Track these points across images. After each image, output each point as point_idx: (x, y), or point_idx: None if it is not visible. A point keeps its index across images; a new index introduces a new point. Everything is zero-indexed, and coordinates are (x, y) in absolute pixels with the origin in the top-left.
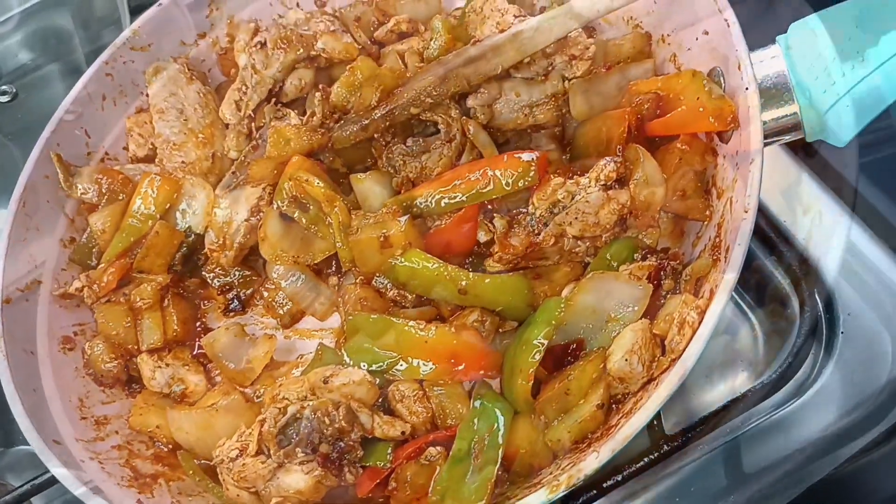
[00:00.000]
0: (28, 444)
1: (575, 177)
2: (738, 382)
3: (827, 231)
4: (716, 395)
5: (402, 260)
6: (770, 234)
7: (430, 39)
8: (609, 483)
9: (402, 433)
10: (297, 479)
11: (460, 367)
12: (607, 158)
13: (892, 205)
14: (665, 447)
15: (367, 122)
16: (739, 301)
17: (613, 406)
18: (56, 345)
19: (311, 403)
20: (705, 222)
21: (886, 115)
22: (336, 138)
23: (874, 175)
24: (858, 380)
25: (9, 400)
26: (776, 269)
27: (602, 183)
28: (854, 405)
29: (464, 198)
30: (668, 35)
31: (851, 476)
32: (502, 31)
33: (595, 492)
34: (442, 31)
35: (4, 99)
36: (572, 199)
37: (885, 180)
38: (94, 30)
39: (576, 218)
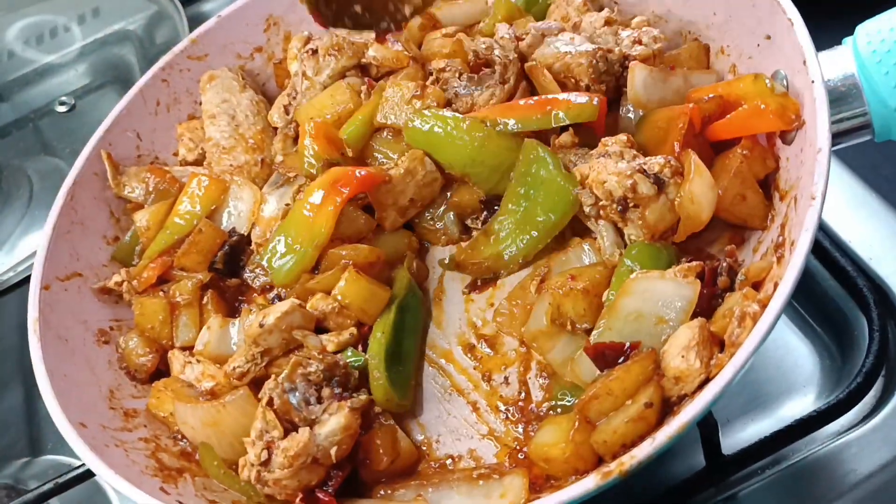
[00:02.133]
0: (55, 454)
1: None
2: (802, 406)
3: (893, 249)
4: (777, 418)
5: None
6: (835, 254)
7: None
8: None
9: (351, 335)
10: (335, 422)
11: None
12: (670, 158)
13: None
14: (722, 468)
15: None
16: (803, 324)
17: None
18: (91, 336)
19: (285, 373)
20: (765, 231)
21: None
22: None
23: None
24: None
25: (38, 381)
26: (841, 290)
27: (642, 163)
28: None
29: (517, 125)
30: (727, 46)
31: None
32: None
33: None
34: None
35: (62, 109)
36: (608, 155)
37: None
38: (154, 56)
39: (603, 168)
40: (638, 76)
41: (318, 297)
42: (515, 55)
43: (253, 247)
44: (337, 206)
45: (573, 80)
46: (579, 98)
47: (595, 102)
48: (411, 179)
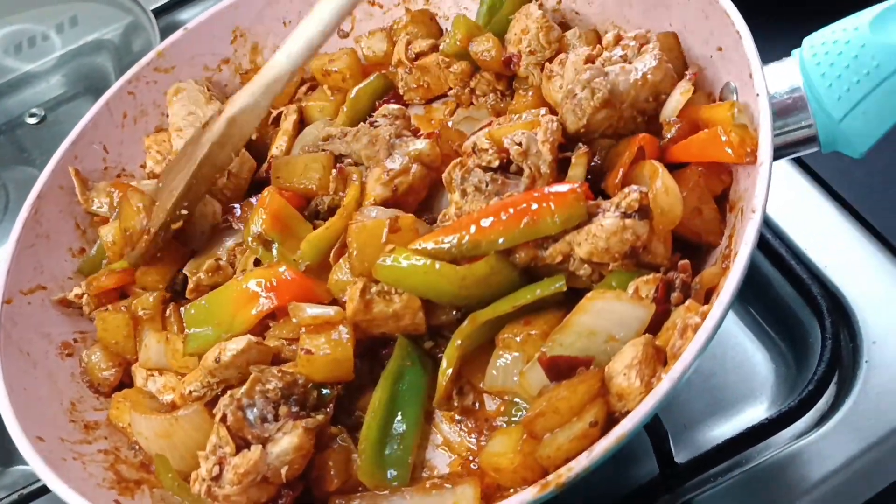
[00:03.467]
0: (26, 465)
1: (599, 198)
2: (756, 413)
3: (849, 257)
4: (732, 425)
5: (391, 259)
6: (791, 262)
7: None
8: None
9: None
10: (287, 441)
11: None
12: (633, 187)
13: None
14: (676, 475)
15: None
16: (759, 331)
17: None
18: (54, 349)
19: (244, 389)
20: (718, 245)
21: None
22: None
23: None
24: (884, 409)
25: None
26: (797, 298)
27: (622, 210)
28: (879, 437)
29: (502, 241)
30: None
31: None
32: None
33: None
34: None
35: (33, 121)
36: (589, 220)
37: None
38: (128, 65)
39: (586, 240)
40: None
41: (272, 335)
42: (549, 169)
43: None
44: (260, 312)
45: None
46: (559, 189)
47: (578, 190)
48: (394, 323)
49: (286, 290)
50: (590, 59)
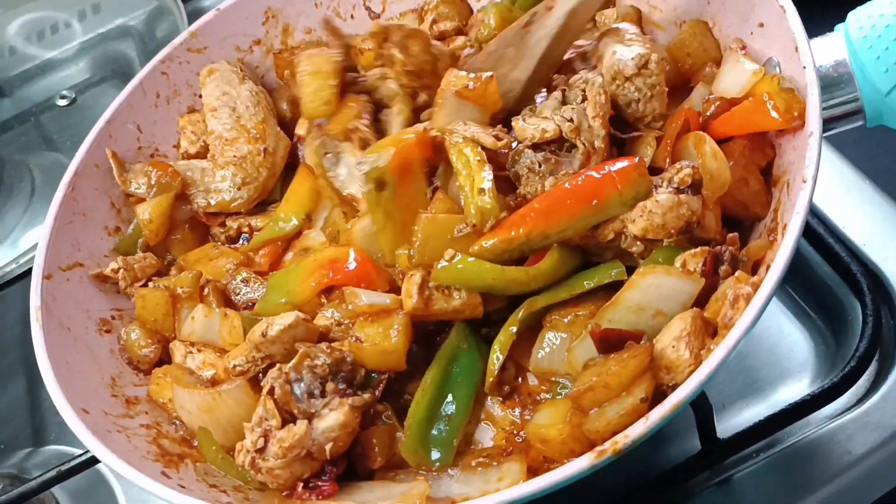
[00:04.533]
0: (59, 444)
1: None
2: (796, 391)
3: (888, 235)
4: (769, 404)
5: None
6: (829, 240)
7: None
8: (657, 486)
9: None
10: (333, 418)
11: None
12: (685, 162)
13: None
14: (717, 452)
15: None
16: (798, 309)
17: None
18: (93, 325)
19: (293, 363)
20: (765, 218)
21: None
22: None
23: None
24: None
25: (41, 368)
26: (835, 276)
27: (675, 185)
28: None
29: (572, 229)
30: (722, 34)
31: None
32: None
33: (644, 494)
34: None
35: (63, 103)
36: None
37: None
38: (154, 50)
39: (640, 216)
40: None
41: (324, 315)
42: (604, 144)
43: None
44: (319, 284)
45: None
46: (621, 166)
47: (637, 161)
48: (453, 315)
49: (347, 270)
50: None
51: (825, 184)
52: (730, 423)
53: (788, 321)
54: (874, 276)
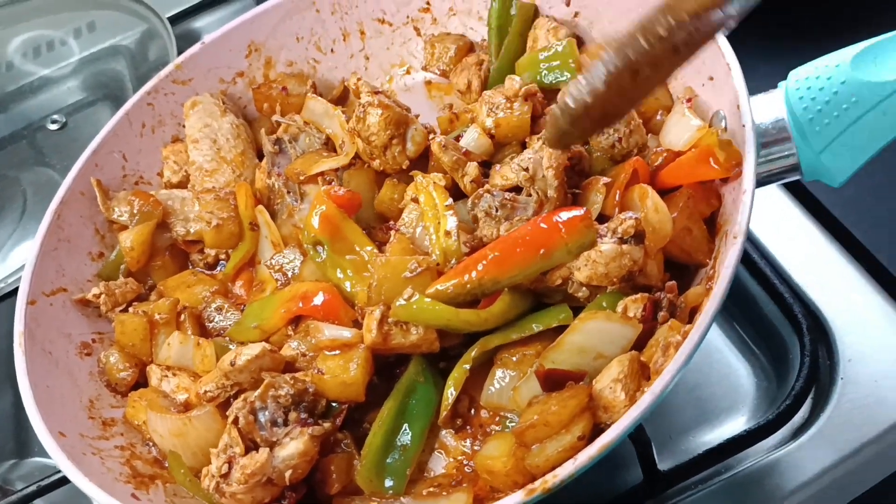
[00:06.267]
0: (42, 456)
1: (595, 224)
2: (738, 424)
3: (830, 278)
4: (714, 435)
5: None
6: (775, 281)
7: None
8: None
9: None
10: (293, 446)
11: (300, 305)
12: (629, 213)
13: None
14: (658, 482)
15: None
16: (744, 347)
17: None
18: (74, 348)
19: (257, 392)
20: (707, 265)
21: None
22: None
23: (877, 222)
24: (857, 424)
25: (22, 393)
26: (780, 316)
27: (619, 236)
28: (852, 450)
29: (520, 276)
30: (676, 83)
31: None
32: None
33: None
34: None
35: (54, 127)
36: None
37: (887, 227)
38: (145, 72)
39: (585, 264)
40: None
41: (290, 346)
42: (556, 193)
43: None
44: (288, 313)
45: None
46: (568, 216)
47: (583, 212)
48: (410, 349)
49: (315, 304)
50: None
51: (777, 228)
52: (678, 453)
53: (735, 357)
54: (815, 317)
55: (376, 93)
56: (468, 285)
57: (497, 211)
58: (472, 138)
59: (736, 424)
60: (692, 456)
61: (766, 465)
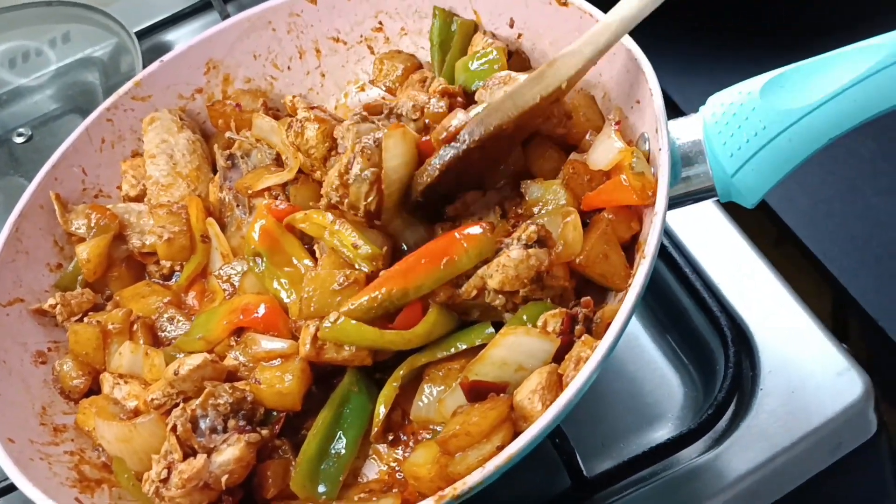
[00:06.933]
0: None
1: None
2: (666, 432)
3: (756, 293)
4: (642, 443)
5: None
6: (703, 293)
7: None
8: None
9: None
10: (230, 453)
11: (241, 317)
12: (529, 221)
13: (812, 267)
14: (585, 488)
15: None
16: (675, 357)
17: None
18: (29, 357)
19: (198, 401)
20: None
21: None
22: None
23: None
24: (772, 433)
25: None
26: (708, 327)
27: (524, 242)
28: (766, 459)
29: (426, 285)
30: (610, 104)
31: None
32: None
33: None
34: None
35: (20, 140)
36: (496, 254)
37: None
38: (115, 84)
39: (496, 270)
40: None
41: (231, 356)
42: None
43: None
44: (230, 325)
45: None
46: (470, 231)
47: (478, 230)
48: (343, 363)
49: (256, 316)
50: None
51: (705, 238)
52: (611, 457)
53: (666, 367)
54: (739, 329)
55: (312, 108)
56: (378, 300)
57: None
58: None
59: (665, 432)
60: (617, 463)
61: (690, 471)
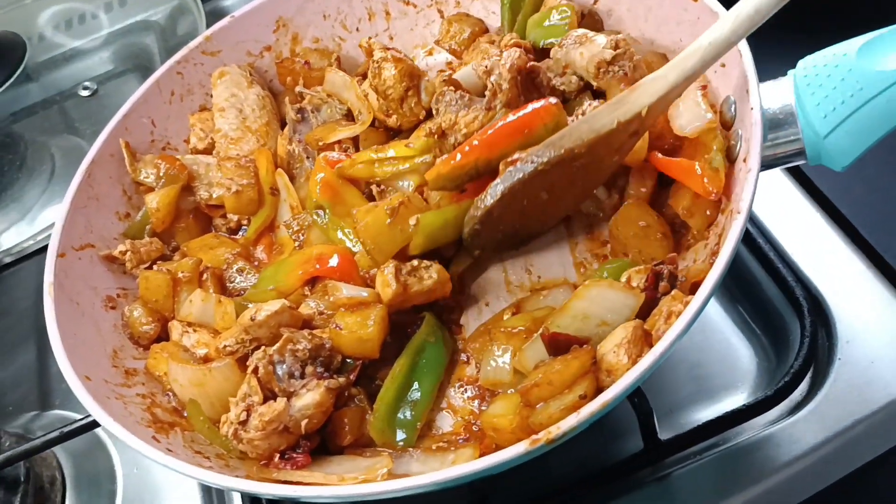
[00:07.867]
0: (63, 409)
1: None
2: (736, 400)
3: (831, 262)
4: (713, 410)
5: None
6: (778, 264)
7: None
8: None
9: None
10: (310, 397)
11: (317, 266)
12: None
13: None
14: (658, 451)
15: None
16: (745, 327)
17: None
18: (99, 301)
19: (276, 346)
20: (705, 240)
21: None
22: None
23: (876, 207)
24: (851, 403)
25: (51, 339)
26: (782, 298)
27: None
28: (844, 427)
29: (510, 153)
30: None
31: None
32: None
33: (591, 484)
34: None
35: (85, 94)
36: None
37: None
38: (174, 46)
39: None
40: None
41: (308, 304)
42: (508, 85)
43: None
44: (305, 274)
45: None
46: (543, 103)
47: (553, 101)
48: (426, 297)
49: (331, 265)
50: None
51: (781, 213)
52: (677, 425)
53: (737, 337)
54: (815, 300)
55: (388, 49)
56: (466, 167)
57: (456, 102)
58: (466, 74)
59: (735, 400)
60: (691, 427)
61: (762, 439)
